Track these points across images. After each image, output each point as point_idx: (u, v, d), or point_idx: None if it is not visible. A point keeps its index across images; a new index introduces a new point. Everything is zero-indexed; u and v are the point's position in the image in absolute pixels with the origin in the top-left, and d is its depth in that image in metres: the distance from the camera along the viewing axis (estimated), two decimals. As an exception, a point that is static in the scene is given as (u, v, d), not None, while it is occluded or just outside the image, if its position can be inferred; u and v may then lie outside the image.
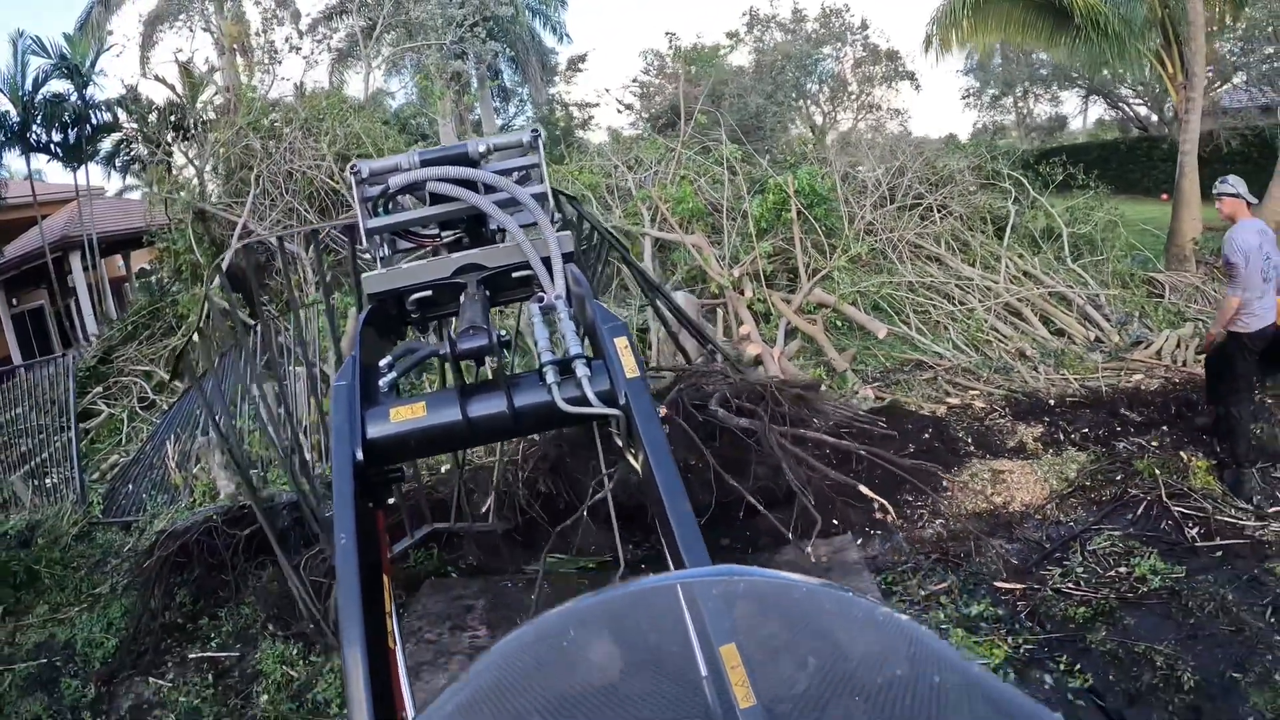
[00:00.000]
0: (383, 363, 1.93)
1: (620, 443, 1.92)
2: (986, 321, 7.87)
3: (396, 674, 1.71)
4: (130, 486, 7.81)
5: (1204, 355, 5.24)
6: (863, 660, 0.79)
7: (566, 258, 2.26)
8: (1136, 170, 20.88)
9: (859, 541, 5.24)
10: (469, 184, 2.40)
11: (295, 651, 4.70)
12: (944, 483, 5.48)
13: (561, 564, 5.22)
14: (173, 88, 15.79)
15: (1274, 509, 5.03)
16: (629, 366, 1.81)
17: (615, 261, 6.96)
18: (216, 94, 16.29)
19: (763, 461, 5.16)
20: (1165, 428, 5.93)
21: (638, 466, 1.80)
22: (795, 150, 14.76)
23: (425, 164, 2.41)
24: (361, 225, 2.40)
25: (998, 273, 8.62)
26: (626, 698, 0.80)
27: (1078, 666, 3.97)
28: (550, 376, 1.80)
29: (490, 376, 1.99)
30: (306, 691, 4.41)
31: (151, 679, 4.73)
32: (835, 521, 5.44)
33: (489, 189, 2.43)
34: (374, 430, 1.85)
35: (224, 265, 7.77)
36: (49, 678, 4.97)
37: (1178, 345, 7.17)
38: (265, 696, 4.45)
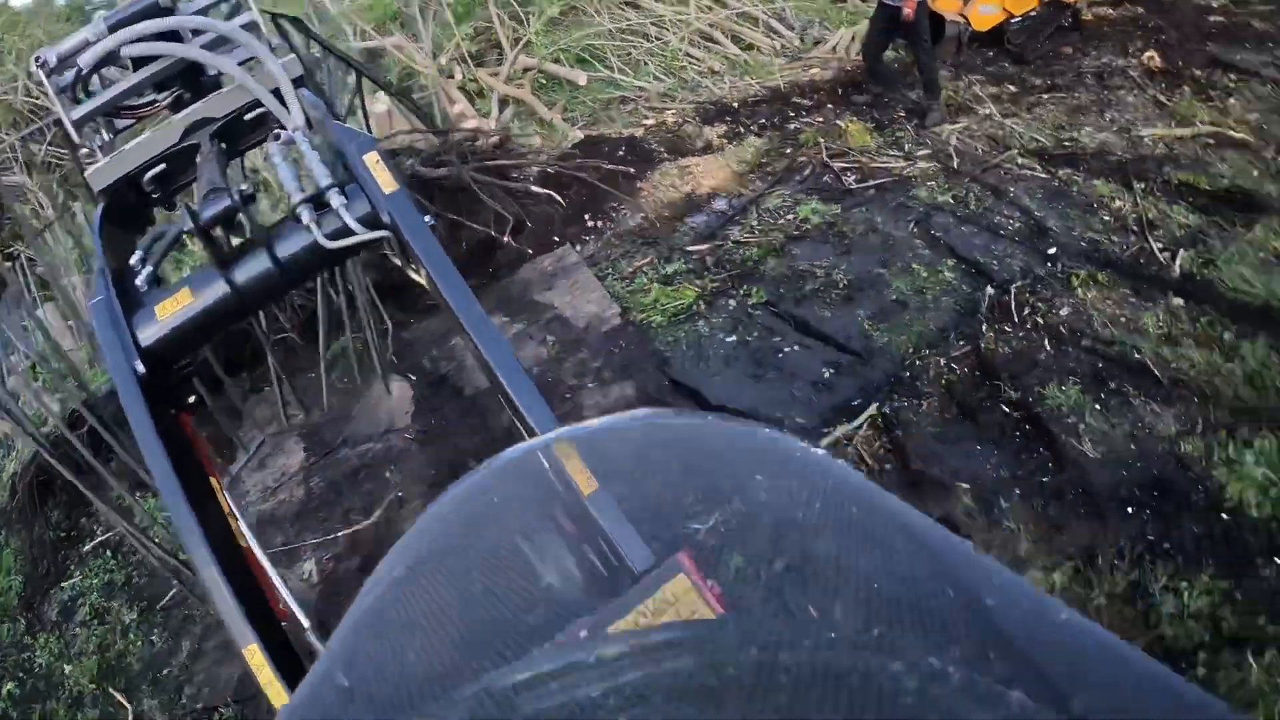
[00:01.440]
0: (134, 259, 1.79)
1: (399, 262, 1.86)
2: (681, 50, 8.17)
3: (260, 570, 1.64)
4: None
5: (907, 17, 5.96)
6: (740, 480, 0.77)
7: (297, 83, 2.07)
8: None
9: (577, 248, 5.55)
10: (171, 35, 2.13)
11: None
12: (639, 185, 5.85)
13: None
14: None
15: (922, 152, 5.87)
16: (385, 182, 1.70)
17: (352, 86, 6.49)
18: None
19: (496, 205, 5.54)
20: (830, 106, 6.62)
21: (423, 280, 1.74)
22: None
23: (115, 29, 2.10)
24: (66, 120, 2.09)
25: (689, 5, 8.85)
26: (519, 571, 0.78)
27: (755, 290, 4.58)
28: (306, 216, 1.67)
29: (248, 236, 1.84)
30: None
31: (63, 585, 4.63)
32: (556, 238, 5.72)
33: (195, 33, 2.16)
34: (146, 335, 1.70)
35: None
36: None
37: (851, 40, 7.86)
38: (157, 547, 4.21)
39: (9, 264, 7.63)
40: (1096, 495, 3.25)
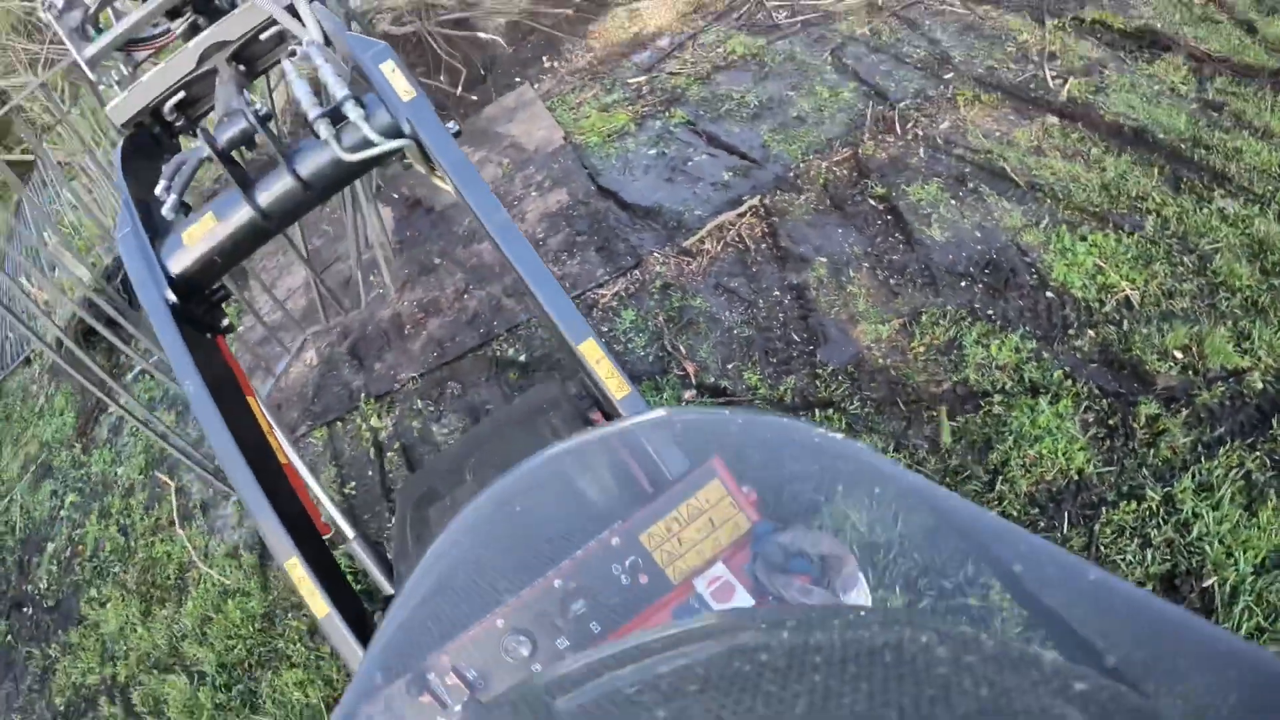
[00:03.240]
0: (158, 189, 1.75)
1: (424, 170, 1.82)
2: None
3: (301, 487, 1.67)
4: (9, 334, 7.46)
5: None
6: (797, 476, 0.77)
7: None
8: None
9: (535, 86, 6.04)
10: None
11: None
12: (591, 28, 6.28)
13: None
14: None
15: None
16: (403, 90, 1.66)
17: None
18: None
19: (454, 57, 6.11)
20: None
21: (448, 188, 1.72)
22: None
23: None
24: (80, 59, 2.09)
25: None
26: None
27: (678, 112, 5.11)
28: (324, 130, 1.63)
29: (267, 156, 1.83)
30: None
31: (110, 411, 5.34)
32: (518, 79, 6.21)
33: None
34: (175, 264, 1.70)
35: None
36: (43, 471, 5.51)
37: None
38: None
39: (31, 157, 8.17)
40: (935, 270, 3.87)
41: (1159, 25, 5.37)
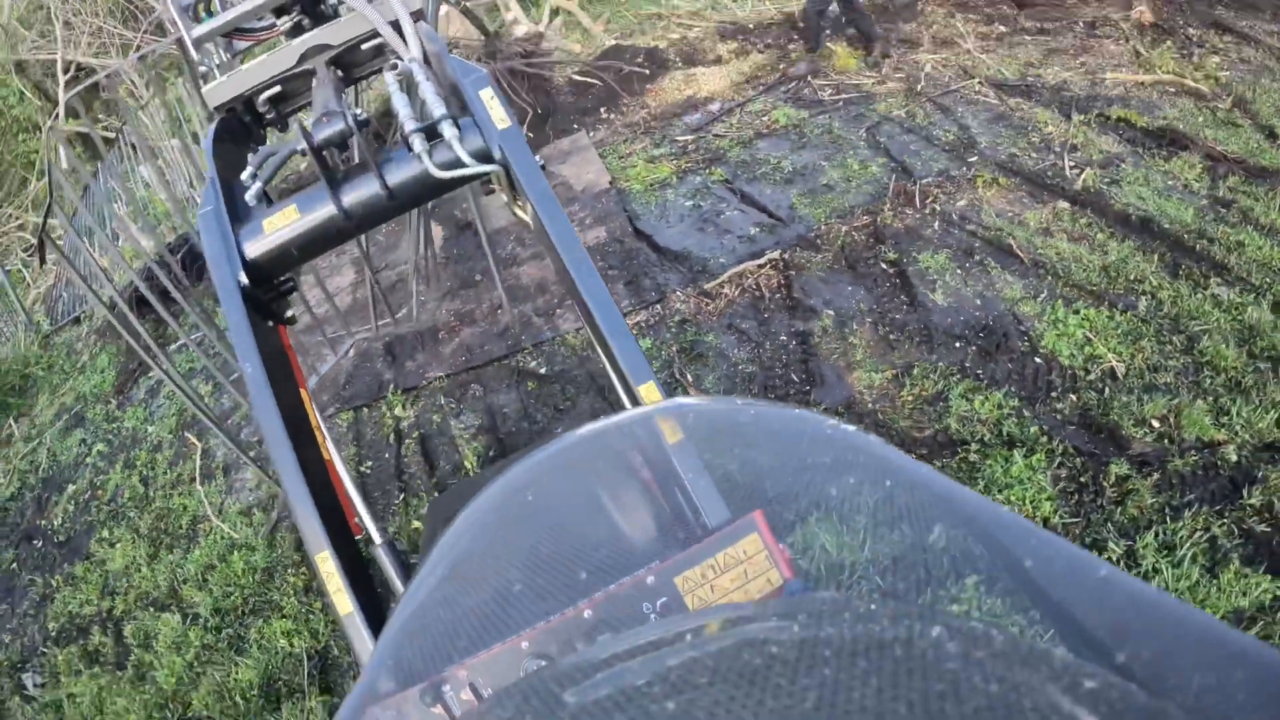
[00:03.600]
0: (245, 175, 1.81)
1: (505, 198, 1.85)
2: (719, -23, 8.98)
3: (339, 483, 1.69)
4: (64, 293, 8.28)
5: None
6: (816, 470, 0.77)
7: (416, 16, 2.13)
8: None
9: (590, 133, 6.60)
10: None
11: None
12: (649, 87, 6.84)
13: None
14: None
15: (896, 76, 6.65)
16: (499, 118, 1.71)
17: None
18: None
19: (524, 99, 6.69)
20: (828, 32, 7.40)
21: (527, 219, 1.74)
22: None
23: None
24: (187, 38, 2.19)
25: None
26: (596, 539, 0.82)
27: (719, 170, 5.57)
28: (418, 144, 1.68)
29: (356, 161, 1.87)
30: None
31: (151, 375, 5.87)
32: (575, 125, 6.79)
33: None
34: (252, 248, 1.74)
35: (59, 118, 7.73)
36: (75, 420, 6.08)
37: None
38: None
39: (113, 135, 9.01)
40: (932, 330, 4.17)
41: (1181, 126, 5.65)
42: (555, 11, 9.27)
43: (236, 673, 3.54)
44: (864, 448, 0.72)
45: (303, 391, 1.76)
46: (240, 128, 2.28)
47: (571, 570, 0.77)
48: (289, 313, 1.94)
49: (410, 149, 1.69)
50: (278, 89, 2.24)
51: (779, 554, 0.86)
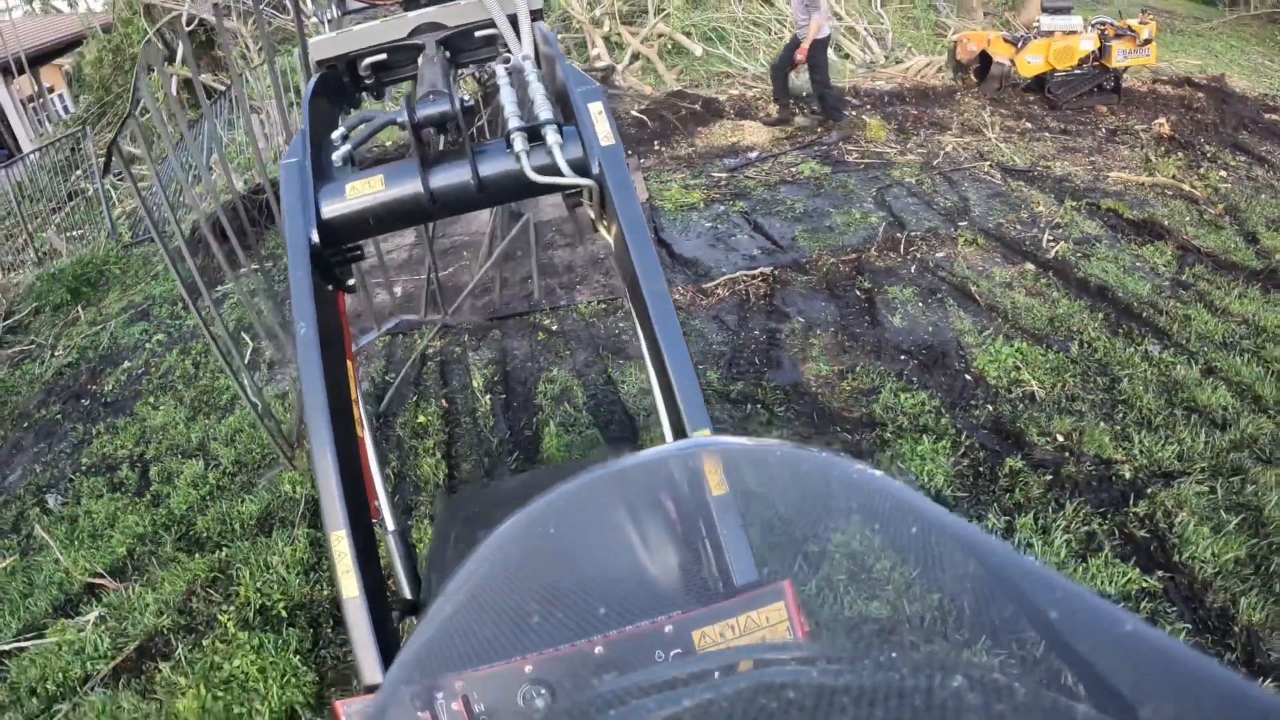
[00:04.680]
0: (335, 135, 1.79)
1: (593, 214, 1.82)
2: (787, 49, 10.05)
3: (366, 460, 1.68)
4: (147, 217, 9.26)
5: (798, 60, 7.66)
6: (845, 515, 0.75)
7: (535, 15, 2.12)
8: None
9: (640, 160, 7.59)
10: None
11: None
12: (700, 130, 7.84)
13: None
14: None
15: (919, 150, 7.48)
16: (604, 134, 1.68)
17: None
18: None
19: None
20: (869, 107, 8.31)
21: (610, 239, 1.73)
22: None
23: None
24: None
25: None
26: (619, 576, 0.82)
27: (741, 203, 6.46)
28: (519, 144, 1.65)
29: (453, 145, 1.85)
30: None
31: (216, 289, 6.48)
32: (630, 153, 7.79)
33: None
34: (329, 208, 1.72)
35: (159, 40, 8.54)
36: (141, 314, 6.86)
37: (925, 66, 9.45)
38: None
39: (221, 89, 10.11)
40: (884, 343, 4.84)
41: (1165, 221, 6.19)
42: (636, 56, 10.42)
43: (241, 506, 4.14)
44: (889, 492, 0.70)
45: (349, 363, 1.74)
46: (338, 87, 2.27)
47: (590, 603, 0.76)
48: (350, 281, 1.91)
49: (510, 146, 1.67)
50: (383, 56, 2.26)
51: (800, 625, 0.86)
